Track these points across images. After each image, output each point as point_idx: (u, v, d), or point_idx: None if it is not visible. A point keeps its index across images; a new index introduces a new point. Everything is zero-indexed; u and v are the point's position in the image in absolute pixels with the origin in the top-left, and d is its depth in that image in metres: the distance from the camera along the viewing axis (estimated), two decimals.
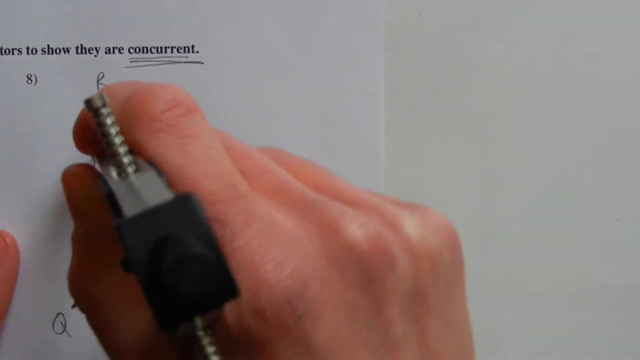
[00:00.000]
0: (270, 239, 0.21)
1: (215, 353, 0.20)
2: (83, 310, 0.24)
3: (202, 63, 0.36)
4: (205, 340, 0.20)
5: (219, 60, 0.36)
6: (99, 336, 0.24)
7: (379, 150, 0.36)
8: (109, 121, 0.21)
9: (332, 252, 0.22)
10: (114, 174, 0.21)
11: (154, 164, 0.22)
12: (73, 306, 0.36)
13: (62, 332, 0.36)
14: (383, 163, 0.36)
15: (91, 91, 0.36)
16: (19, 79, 0.36)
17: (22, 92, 0.36)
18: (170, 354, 0.22)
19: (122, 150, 0.21)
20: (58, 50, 0.36)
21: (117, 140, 0.21)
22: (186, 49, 0.36)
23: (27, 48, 0.36)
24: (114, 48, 0.36)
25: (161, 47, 0.36)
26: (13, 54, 0.36)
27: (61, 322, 0.36)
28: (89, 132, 0.24)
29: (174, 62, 0.36)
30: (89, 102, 0.21)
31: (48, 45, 0.36)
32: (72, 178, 0.25)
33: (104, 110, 0.21)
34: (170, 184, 0.21)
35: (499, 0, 0.36)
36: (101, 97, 0.21)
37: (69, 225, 0.36)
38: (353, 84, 0.35)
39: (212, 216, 0.21)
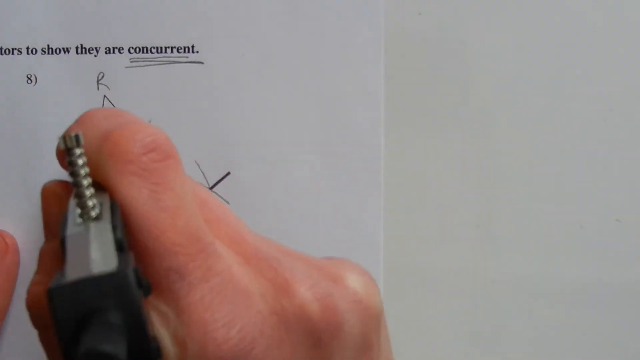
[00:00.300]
0: (224, 296, 0.22)
1: None
2: (35, 326, 0.24)
3: (202, 63, 0.36)
4: None
5: (219, 60, 0.36)
6: (47, 354, 0.24)
7: (379, 150, 0.36)
8: (80, 162, 0.21)
9: (283, 312, 0.22)
10: (77, 213, 0.21)
11: (116, 207, 0.21)
12: None
13: None
14: (383, 163, 0.36)
15: (91, 91, 0.36)
16: (19, 79, 0.36)
17: (22, 92, 0.36)
18: None
19: (88, 193, 0.21)
20: (58, 50, 0.36)
21: (85, 182, 0.21)
22: (186, 49, 0.36)
23: (27, 48, 0.36)
24: (114, 48, 0.36)
25: (161, 47, 0.36)
26: (13, 54, 0.36)
27: None
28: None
29: (174, 62, 0.36)
30: (63, 139, 0.21)
31: (48, 45, 0.36)
32: (51, 195, 0.25)
33: (76, 151, 0.21)
34: (135, 229, 0.21)
35: (499, 0, 0.36)
36: (76, 137, 0.21)
37: None
38: (353, 84, 0.35)
39: (173, 267, 0.21)
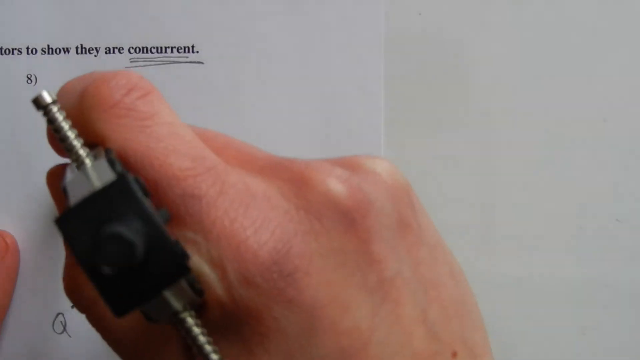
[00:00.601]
0: (246, 204, 0.21)
1: (203, 334, 0.20)
2: (81, 310, 0.24)
3: (202, 63, 0.36)
4: (189, 322, 0.20)
5: (219, 60, 0.36)
6: (100, 334, 0.24)
7: (379, 150, 0.36)
8: (59, 116, 0.21)
9: (308, 203, 0.22)
10: (73, 167, 0.21)
11: (110, 150, 0.21)
12: (73, 306, 0.36)
13: (62, 332, 0.36)
14: None
15: None
16: (19, 79, 0.36)
17: (22, 92, 0.36)
18: (171, 347, 0.22)
19: (76, 143, 0.21)
20: (58, 50, 0.36)
21: (71, 134, 0.21)
22: (186, 49, 0.36)
23: (27, 48, 0.36)
24: (114, 48, 0.36)
25: (161, 47, 0.36)
26: (13, 54, 0.36)
27: (61, 322, 0.36)
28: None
29: (174, 62, 0.36)
30: (36, 100, 0.21)
31: (48, 45, 0.36)
32: (55, 178, 0.25)
33: (52, 107, 0.21)
34: (139, 167, 0.21)
35: (498, 0, 0.36)
36: (48, 93, 0.21)
37: None
38: (353, 84, 0.35)
39: (187, 192, 0.21)
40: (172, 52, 0.36)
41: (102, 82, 0.22)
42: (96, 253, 0.17)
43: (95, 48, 0.36)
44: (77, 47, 0.36)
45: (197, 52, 0.36)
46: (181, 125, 0.23)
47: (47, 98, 0.21)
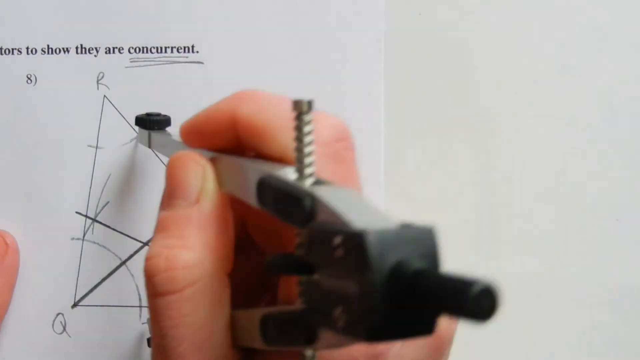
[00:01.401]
0: None
1: None
2: (160, 291, 0.23)
3: (202, 63, 0.36)
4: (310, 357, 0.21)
5: (219, 60, 0.36)
6: (165, 321, 0.23)
7: (379, 150, 0.36)
8: (307, 129, 0.21)
9: None
10: (291, 177, 0.21)
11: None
12: (73, 306, 0.36)
13: (62, 332, 0.36)
14: (383, 163, 0.36)
15: (91, 91, 0.36)
16: (19, 79, 0.36)
17: (22, 92, 0.36)
18: (230, 353, 0.23)
19: (308, 160, 0.21)
20: (58, 50, 0.36)
21: (308, 149, 0.21)
22: (186, 49, 0.36)
23: (27, 48, 0.36)
24: (114, 48, 0.36)
25: (161, 47, 0.36)
26: (13, 54, 0.36)
27: (61, 322, 0.36)
28: (221, 126, 0.25)
29: (174, 62, 0.36)
30: (297, 104, 0.21)
31: (48, 45, 0.36)
32: (191, 162, 0.25)
33: (307, 117, 0.21)
34: None
35: (498, 0, 0.36)
36: (309, 103, 0.21)
37: (69, 225, 0.36)
38: (353, 84, 0.35)
39: None
40: (172, 52, 0.36)
41: (322, 119, 0.24)
42: (473, 301, 0.17)
43: (95, 48, 0.36)
44: (77, 47, 0.36)
45: (197, 52, 0.36)
46: (361, 187, 0.24)
47: (306, 106, 0.21)
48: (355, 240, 0.18)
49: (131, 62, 0.36)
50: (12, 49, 0.36)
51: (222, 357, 0.23)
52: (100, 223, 0.36)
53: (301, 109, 0.21)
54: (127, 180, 0.36)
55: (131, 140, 0.36)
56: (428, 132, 0.37)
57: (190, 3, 0.36)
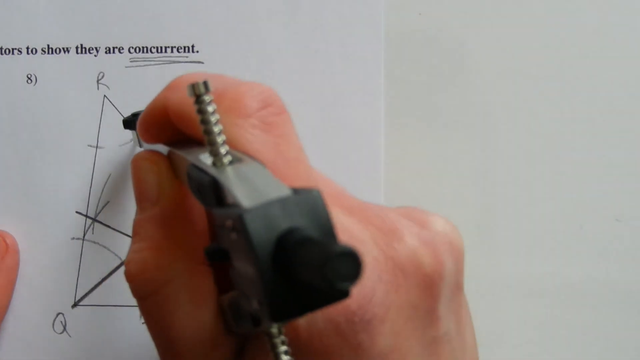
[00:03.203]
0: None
1: (286, 353, 0.20)
2: (140, 295, 0.24)
3: (202, 63, 0.36)
4: (279, 339, 0.20)
5: (219, 60, 0.36)
6: (153, 323, 0.23)
7: (379, 150, 0.36)
8: (210, 108, 0.20)
9: (397, 256, 0.22)
10: (207, 162, 0.21)
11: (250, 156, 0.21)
12: (73, 306, 0.36)
13: (62, 332, 0.36)
14: (383, 163, 0.36)
15: (91, 91, 0.36)
16: (19, 79, 0.36)
17: (22, 92, 0.36)
18: (224, 347, 0.23)
19: (220, 139, 0.20)
20: (58, 50, 0.36)
21: (216, 129, 0.20)
22: (186, 49, 0.36)
23: (27, 48, 0.36)
24: (114, 48, 0.36)
25: (161, 47, 0.36)
26: (13, 54, 0.36)
27: (61, 322, 0.36)
28: (162, 119, 0.24)
29: (174, 62, 0.36)
30: (193, 87, 0.20)
31: (48, 45, 0.36)
32: (146, 163, 0.25)
33: (206, 97, 0.20)
34: None
35: (498, 1, 0.36)
36: (205, 84, 0.20)
37: (69, 225, 0.36)
38: (353, 84, 0.35)
39: None
40: (172, 52, 0.36)
41: (245, 89, 0.23)
42: (329, 268, 0.16)
43: (95, 48, 0.36)
44: (77, 47, 0.36)
45: (197, 52, 0.36)
46: (303, 151, 0.23)
47: (203, 88, 0.20)
48: (237, 222, 0.18)
49: (131, 62, 0.36)
50: (12, 49, 0.36)
51: (218, 346, 0.23)
52: (100, 223, 0.36)
53: (198, 91, 0.20)
54: (127, 180, 0.36)
55: (131, 140, 0.36)
56: (428, 132, 0.37)
57: (190, 3, 0.36)
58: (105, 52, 0.36)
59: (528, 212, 0.37)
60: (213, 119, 0.20)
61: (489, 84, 0.36)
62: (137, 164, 0.25)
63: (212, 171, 0.20)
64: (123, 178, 0.36)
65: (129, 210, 0.36)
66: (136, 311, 0.36)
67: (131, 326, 0.36)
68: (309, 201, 0.18)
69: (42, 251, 0.36)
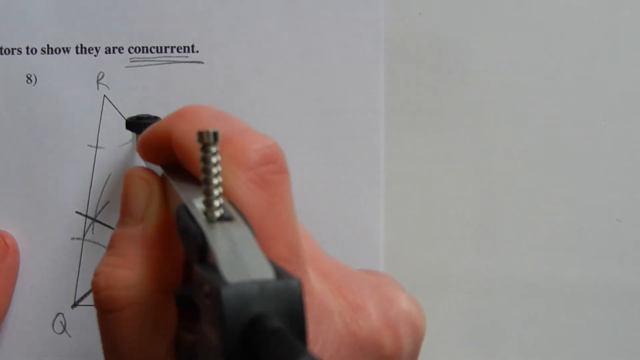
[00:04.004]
0: (310, 314, 0.21)
1: None
2: (102, 308, 0.23)
3: (202, 63, 0.36)
4: None
5: (219, 60, 0.36)
6: (107, 337, 0.23)
7: (379, 150, 0.36)
8: (214, 160, 0.20)
9: (360, 333, 0.23)
10: (199, 207, 0.21)
11: (242, 213, 0.21)
12: (73, 306, 0.36)
13: (62, 332, 0.36)
14: (383, 163, 0.36)
15: (91, 91, 0.36)
16: (19, 79, 0.36)
17: (22, 92, 0.36)
18: None
19: (217, 192, 0.20)
20: (58, 50, 0.36)
21: (216, 181, 0.20)
22: (186, 49, 0.36)
23: (27, 48, 0.36)
24: (114, 48, 0.36)
25: (161, 47, 0.36)
26: (13, 54, 0.36)
27: (61, 322, 0.36)
28: (163, 143, 0.24)
29: (174, 62, 0.36)
30: (202, 135, 0.20)
31: (48, 45, 0.36)
32: (139, 180, 0.25)
33: (213, 148, 0.20)
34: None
35: (498, 1, 0.36)
36: (215, 135, 0.20)
37: (69, 226, 0.36)
38: (353, 84, 0.35)
39: None
40: (172, 52, 0.36)
41: (250, 140, 0.23)
42: (251, 341, 0.17)
43: (95, 48, 0.36)
44: (77, 47, 0.36)
45: (197, 52, 0.36)
46: (294, 216, 0.23)
47: (212, 138, 0.20)
48: (214, 293, 0.18)
49: (131, 61, 0.36)
50: (12, 49, 0.36)
51: None
52: (100, 223, 0.36)
53: (207, 140, 0.20)
54: None
55: (131, 140, 0.36)
56: (428, 132, 0.37)
57: (190, 3, 0.36)
58: (105, 52, 0.36)
59: (528, 212, 0.37)
60: (215, 170, 0.20)
61: (489, 84, 0.36)
62: (130, 179, 0.25)
63: (203, 225, 0.20)
64: (123, 178, 0.36)
65: None
66: None
67: None
68: (288, 290, 0.18)
69: (42, 251, 0.36)
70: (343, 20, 0.35)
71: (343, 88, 0.35)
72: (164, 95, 0.36)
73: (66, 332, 0.36)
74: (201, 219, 0.20)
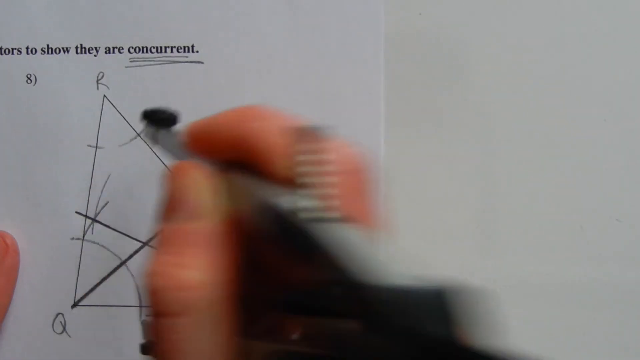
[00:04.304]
0: None
1: None
2: (164, 311, 0.21)
3: (202, 63, 0.36)
4: None
5: (219, 60, 0.36)
6: (164, 343, 0.22)
7: (379, 150, 0.36)
8: (316, 158, 0.20)
9: None
10: (298, 205, 0.20)
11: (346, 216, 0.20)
12: (73, 306, 0.36)
13: (62, 332, 0.36)
14: (383, 163, 0.36)
15: (91, 91, 0.36)
16: (19, 79, 0.36)
17: (22, 92, 0.36)
18: None
19: (325, 192, 0.20)
20: (58, 50, 0.36)
21: (322, 180, 0.20)
22: (186, 49, 0.36)
23: (27, 48, 0.36)
24: (114, 48, 0.36)
25: (161, 47, 0.36)
26: (13, 54, 0.36)
27: (61, 322, 0.36)
28: (228, 140, 0.23)
29: (174, 62, 0.36)
30: (309, 131, 0.20)
31: (48, 45, 0.36)
32: (199, 174, 0.23)
33: (321, 145, 0.20)
34: None
35: (498, 0, 0.36)
36: (318, 132, 0.20)
37: (69, 225, 0.36)
38: (353, 84, 0.35)
39: None
40: (172, 52, 0.36)
41: (341, 144, 0.23)
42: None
43: (95, 48, 0.36)
44: (77, 47, 0.36)
45: (197, 52, 0.36)
46: None
47: (322, 134, 0.20)
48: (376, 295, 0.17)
49: (131, 62, 0.36)
50: (12, 49, 0.36)
51: None
52: (100, 223, 0.36)
53: (314, 136, 0.19)
54: (127, 180, 0.36)
55: (131, 140, 0.36)
56: (428, 132, 0.37)
57: (190, 3, 0.36)
58: (105, 52, 0.36)
59: (528, 212, 0.37)
60: (319, 169, 0.19)
61: (489, 84, 0.36)
62: (185, 172, 0.23)
63: (314, 226, 0.19)
64: (123, 178, 0.36)
65: (129, 210, 0.36)
66: (136, 311, 0.36)
67: (131, 326, 0.36)
68: (436, 297, 0.18)
69: (42, 251, 0.36)
70: (343, 20, 0.35)
71: (343, 88, 0.35)
72: (163, 95, 0.36)
73: (66, 332, 0.36)
74: (306, 220, 0.19)
